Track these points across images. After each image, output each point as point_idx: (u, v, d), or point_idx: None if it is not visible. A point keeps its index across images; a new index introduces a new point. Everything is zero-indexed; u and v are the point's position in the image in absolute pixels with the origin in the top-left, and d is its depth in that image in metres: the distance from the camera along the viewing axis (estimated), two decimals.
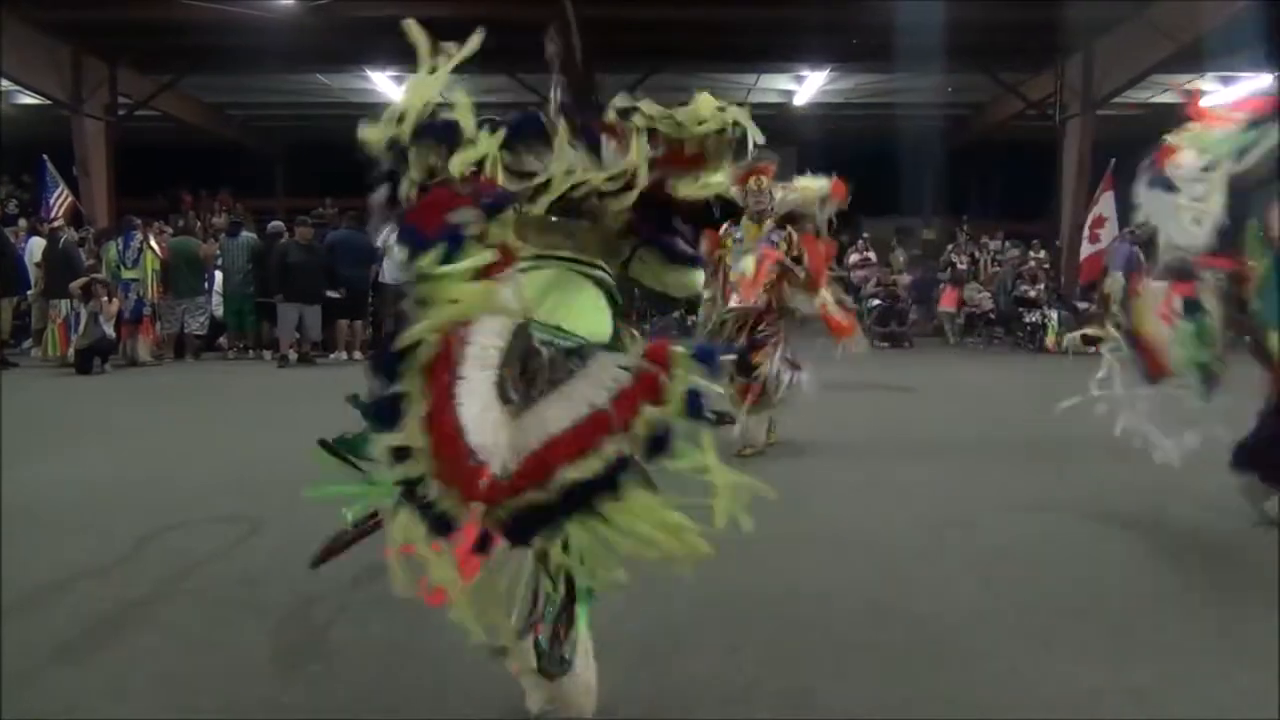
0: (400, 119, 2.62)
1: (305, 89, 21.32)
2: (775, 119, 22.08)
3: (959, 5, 15.05)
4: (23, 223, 17.22)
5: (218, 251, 15.35)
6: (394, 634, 3.54)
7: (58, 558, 4.56)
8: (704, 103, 2.77)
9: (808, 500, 5.75)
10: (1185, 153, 4.84)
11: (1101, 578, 4.36)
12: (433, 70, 2.72)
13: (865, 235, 21.54)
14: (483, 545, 2.20)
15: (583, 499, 2.23)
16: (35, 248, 14.95)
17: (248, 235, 15.26)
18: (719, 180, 2.78)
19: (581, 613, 2.65)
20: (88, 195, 18.59)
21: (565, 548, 2.28)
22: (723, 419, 2.79)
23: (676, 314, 13.70)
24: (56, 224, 15.11)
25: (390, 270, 13.40)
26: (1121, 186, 17.47)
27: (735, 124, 2.75)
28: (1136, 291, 5.36)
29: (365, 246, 13.84)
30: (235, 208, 21.15)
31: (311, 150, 21.58)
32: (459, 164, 2.58)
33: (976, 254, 20.58)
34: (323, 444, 2.65)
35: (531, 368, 2.46)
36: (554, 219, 2.80)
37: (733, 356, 6.71)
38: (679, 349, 2.27)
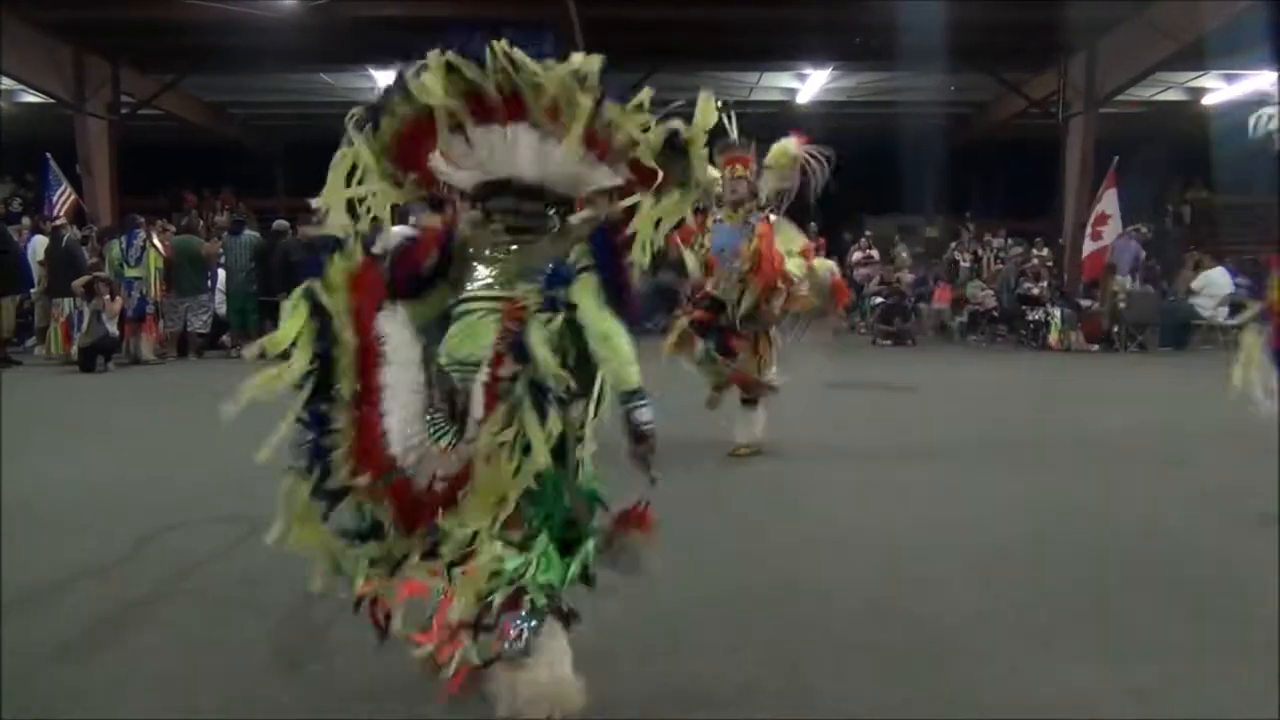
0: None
1: (307, 88, 21.32)
2: (778, 117, 22.06)
3: (961, 4, 15.03)
4: (26, 221, 17.21)
5: (220, 250, 15.34)
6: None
7: (58, 557, 4.56)
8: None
9: (807, 500, 5.76)
10: None
11: (1101, 578, 4.36)
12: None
13: (868, 233, 21.53)
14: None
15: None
16: (38, 246, 14.95)
17: (250, 233, 15.27)
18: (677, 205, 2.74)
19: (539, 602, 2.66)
20: (91, 194, 18.60)
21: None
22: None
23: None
24: (59, 222, 15.10)
25: None
26: (1124, 183, 17.49)
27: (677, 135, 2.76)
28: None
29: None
30: (238, 206, 21.16)
31: (313, 149, 21.48)
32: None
33: (980, 252, 20.57)
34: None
35: (459, 402, 2.72)
36: (507, 236, 2.83)
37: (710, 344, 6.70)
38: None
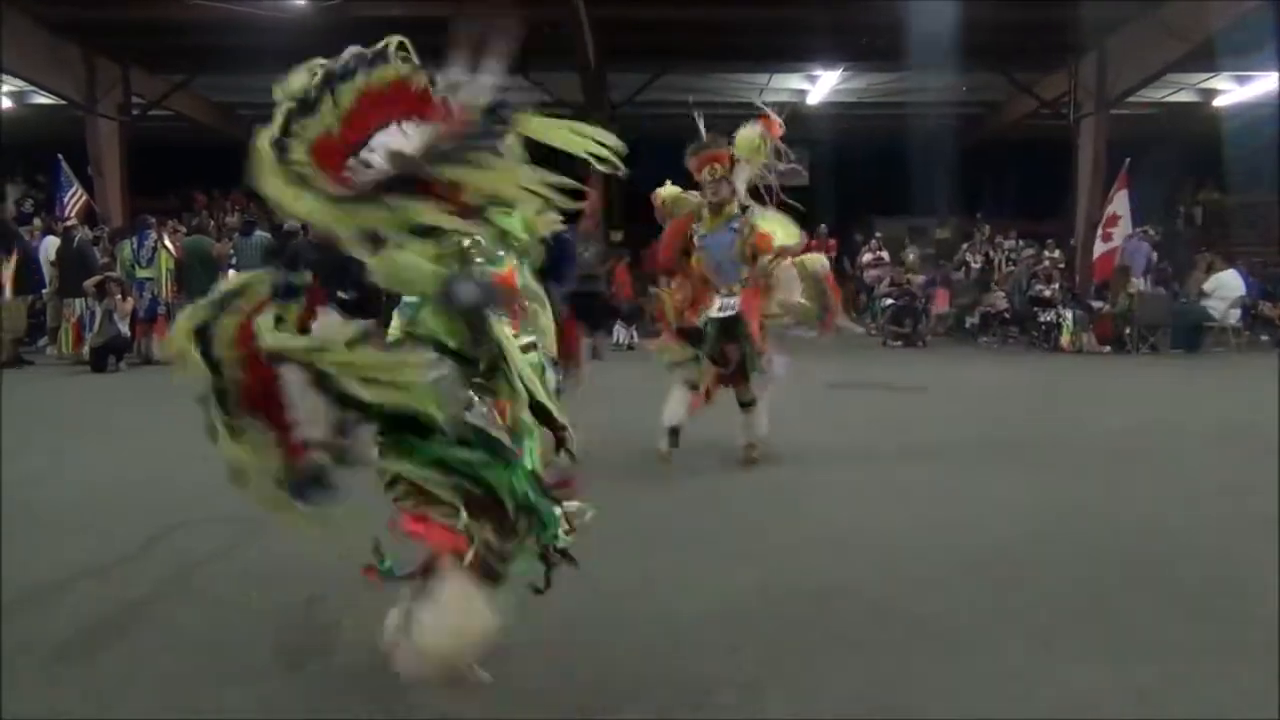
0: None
1: None
2: (788, 119, 22.03)
3: (972, 5, 14.98)
4: (38, 222, 17.30)
5: (231, 250, 15.40)
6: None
7: (58, 557, 4.58)
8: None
9: (807, 501, 5.75)
10: None
11: (1101, 577, 4.34)
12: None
13: (878, 235, 21.47)
14: None
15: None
16: (50, 246, 15.01)
17: (261, 234, 15.32)
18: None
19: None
20: (102, 194, 18.70)
21: None
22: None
23: None
24: (71, 223, 15.18)
25: None
26: (1136, 184, 17.44)
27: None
28: None
29: None
30: (249, 207, 21.22)
31: None
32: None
33: (991, 253, 20.50)
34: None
35: None
36: None
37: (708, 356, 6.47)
38: None
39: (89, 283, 13.37)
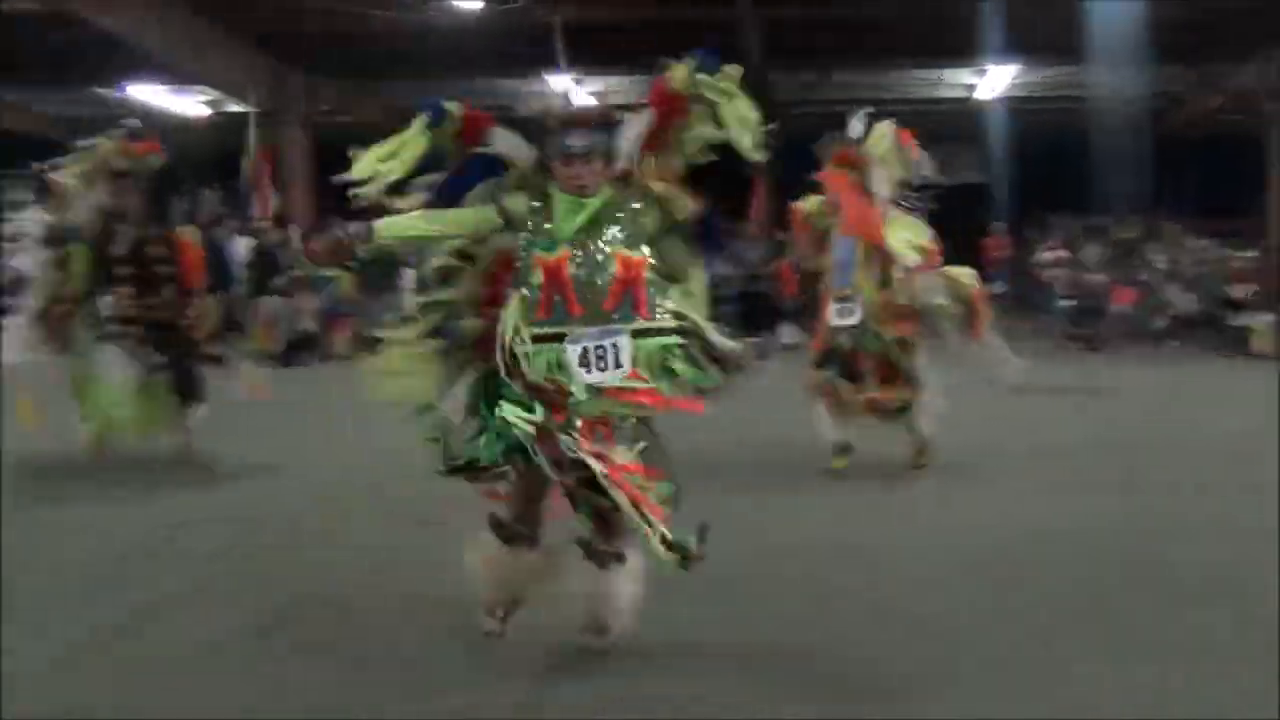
0: None
1: (499, 91, 21.97)
2: (958, 115, 21.51)
3: None
4: (229, 225, 18.27)
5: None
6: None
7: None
8: None
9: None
10: None
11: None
12: None
13: (1056, 233, 20.71)
14: None
15: None
16: (241, 248, 15.84)
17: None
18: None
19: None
20: (289, 198, 19.65)
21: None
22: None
23: None
24: (261, 225, 15.98)
25: None
26: None
27: None
28: None
29: None
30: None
31: None
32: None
33: (1177, 253, 19.52)
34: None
35: None
36: None
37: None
38: None
39: (277, 282, 14.04)
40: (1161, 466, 6.73)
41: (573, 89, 18.89)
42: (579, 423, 3.21)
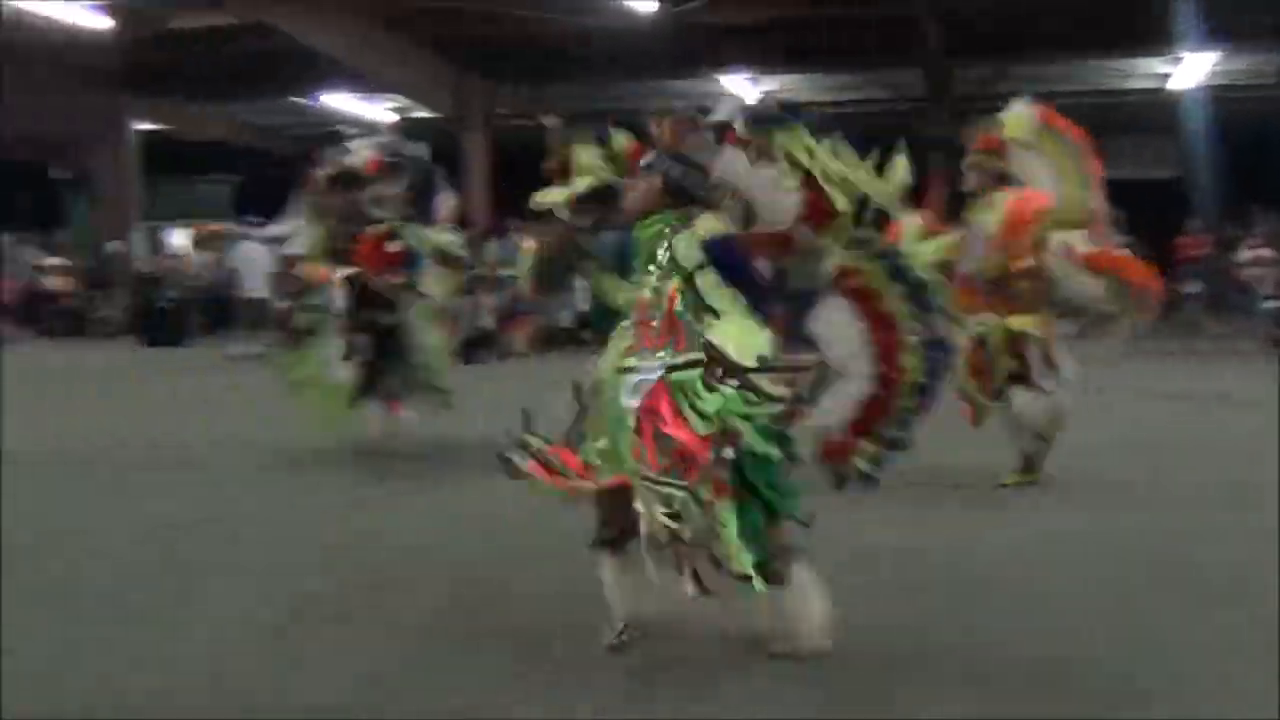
0: None
1: (672, 93, 22.14)
2: (1150, 106, 20.52)
3: None
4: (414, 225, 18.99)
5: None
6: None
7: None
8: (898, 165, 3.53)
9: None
10: None
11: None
12: None
13: (1259, 230, 19.50)
14: None
15: None
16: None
17: (611, 234, 16.03)
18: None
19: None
20: (470, 200, 20.29)
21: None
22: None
23: None
24: (444, 226, 16.50)
25: None
26: None
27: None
28: None
29: None
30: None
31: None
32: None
33: None
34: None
35: None
36: None
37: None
38: None
39: (457, 281, 14.49)
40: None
41: (747, 89, 18.86)
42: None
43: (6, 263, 19.17)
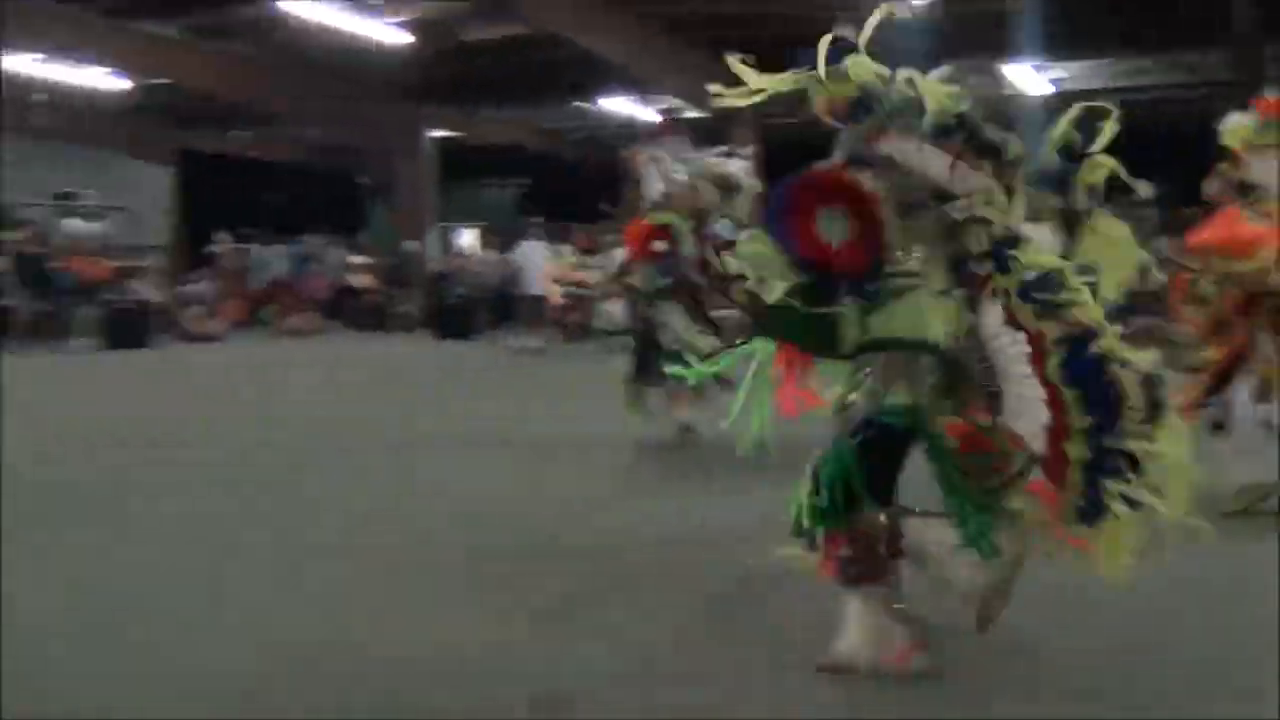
0: None
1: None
2: None
3: None
4: None
5: None
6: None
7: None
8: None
9: None
10: None
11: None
12: None
13: None
14: None
15: None
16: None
17: None
18: None
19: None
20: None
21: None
22: None
23: None
24: None
25: None
26: None
27: None
28: None
29: None
30: None
31: None
32: None
33: None
34: None
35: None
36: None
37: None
38: None
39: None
40: None
41: (1032, 77, 18.09)
42: None
43: (315, 262, 20.94)
